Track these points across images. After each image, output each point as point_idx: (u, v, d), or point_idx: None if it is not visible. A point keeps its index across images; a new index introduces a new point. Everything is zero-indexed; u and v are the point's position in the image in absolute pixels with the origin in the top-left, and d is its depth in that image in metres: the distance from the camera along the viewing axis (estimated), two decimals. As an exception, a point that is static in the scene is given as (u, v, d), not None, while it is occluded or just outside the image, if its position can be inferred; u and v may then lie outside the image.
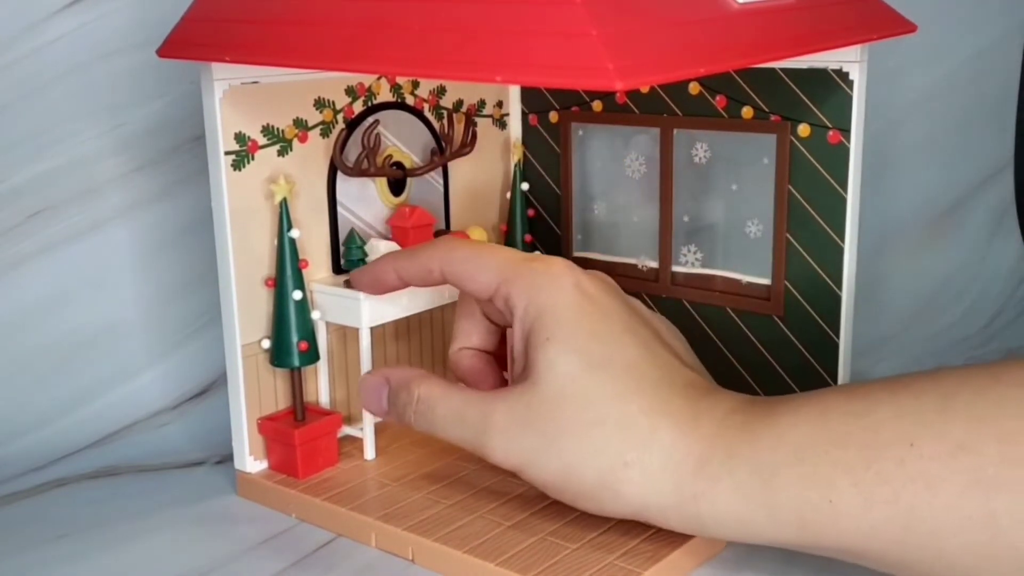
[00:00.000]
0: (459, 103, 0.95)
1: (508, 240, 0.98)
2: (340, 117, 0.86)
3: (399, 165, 0.90)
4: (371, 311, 0.83)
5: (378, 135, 0.86)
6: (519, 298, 0.70)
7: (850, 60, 0.80)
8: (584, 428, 0.66)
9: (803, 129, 0.84)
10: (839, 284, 0.84)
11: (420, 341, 0.95)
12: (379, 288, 0.80)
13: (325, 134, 0.85)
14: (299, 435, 0.81)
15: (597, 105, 0.95)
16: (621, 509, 0.67)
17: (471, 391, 0.72)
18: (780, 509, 0.63)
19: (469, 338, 0.78)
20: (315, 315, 0.84)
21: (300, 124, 0.83)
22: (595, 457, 0.66)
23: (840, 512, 0.61)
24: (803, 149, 0.84)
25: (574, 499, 0.69)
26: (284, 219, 0.80)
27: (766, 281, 0.88)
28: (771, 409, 0.66)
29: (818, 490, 0.61)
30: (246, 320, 0.81)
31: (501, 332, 0.78)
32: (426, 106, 0.92)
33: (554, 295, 0.69)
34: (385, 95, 0.89)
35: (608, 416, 0.66)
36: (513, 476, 0.72)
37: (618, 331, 0.69)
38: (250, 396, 0.82)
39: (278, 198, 0.80)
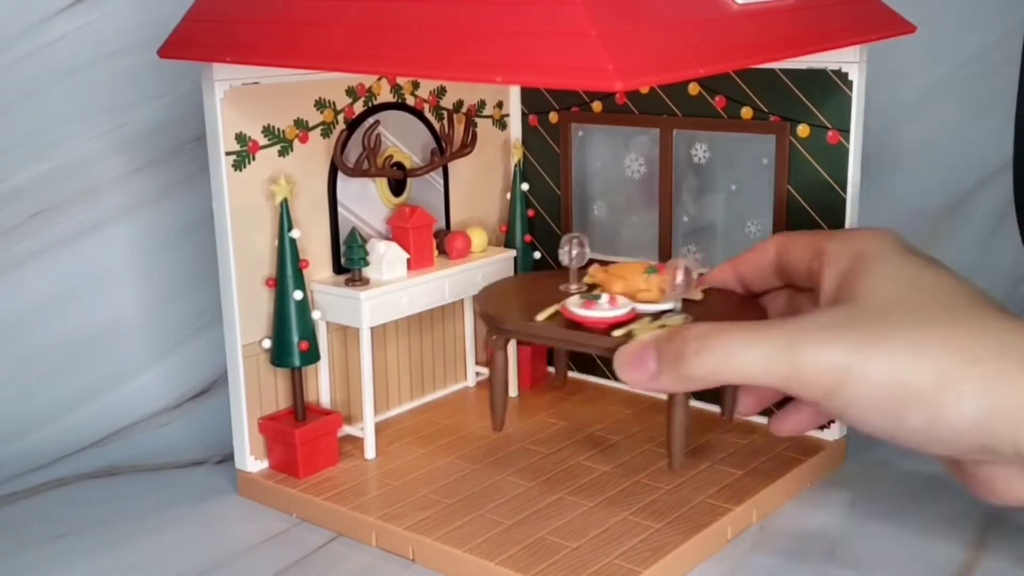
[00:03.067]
0: (459, 103, 0.95)
1: (508, 240, 0.98)
2: (341, 117, 0.86)
3: (399, 165, 0.90)
4: (372, 311, 0.83)
5: (378, 135, 0.86)
6: (835, 247, 0.65)
7: (849, 61, 0.80)
8: (922, 328, 0.57)
9: (802, 129, 0.84)
10: (839, 284, 0.84)
11: (420, 341, 0.95)
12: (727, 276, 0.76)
13: (326, 134, 0.85)
14: (299, 435, 0.81)
15: (597, 105, 0.95)
16: (963, 420, 0.55)
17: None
18: None
19: (745, 265, 0.74)
20: (316, 315, 0.84)
21: (301, 124, 0.83)
22: (936, 352, 0.55)
23: None
24: (802, 149, 0.84)
25: (902, 414, 0.56)
26: (285, 219, 0.81)
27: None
28: None
29: None
30: (247, 320, 0.81)
31: (773, 290, 0.76)
32: (426, 106, 0.92)
33: (871, 239, 0.65)
34: (385, 96, 0.89)
35: (948, 320, 0.57)
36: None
37: (938, 267, 0.64)
38: (251, 396, 0.82)
39: (279, 198, 0.81)
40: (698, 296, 0.78)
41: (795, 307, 0.74)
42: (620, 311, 0.73)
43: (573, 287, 0.79)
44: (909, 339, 0.56)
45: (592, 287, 0.79)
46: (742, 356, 0.60)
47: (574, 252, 0.78)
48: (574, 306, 0.74)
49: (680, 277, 0.72)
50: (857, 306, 0.59)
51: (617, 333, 0.70)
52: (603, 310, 0.73)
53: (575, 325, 0.73)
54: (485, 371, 0.93)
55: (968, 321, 0.58)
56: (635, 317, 0.73)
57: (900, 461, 0.87)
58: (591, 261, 0.81)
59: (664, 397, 0.81)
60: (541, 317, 0.75)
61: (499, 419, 0.81)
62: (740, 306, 0.76)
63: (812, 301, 0.69)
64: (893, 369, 0.56)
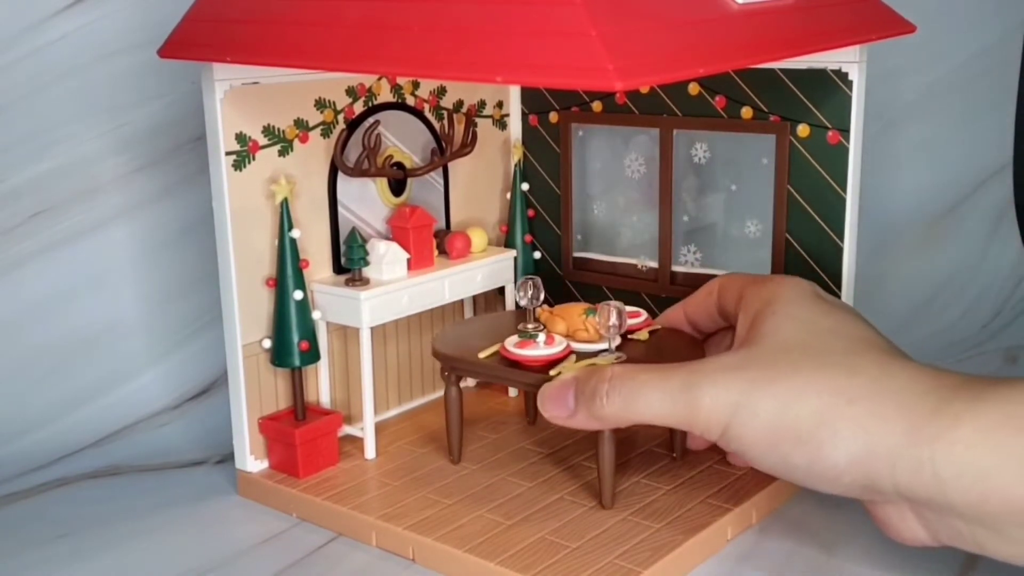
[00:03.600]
0: (459, 103, 0.95)
1: (508, 240, 0.98)
2: (341, 117, 0.86)
3: (399, 165, 0.90)
4: (372, 311, 0.83)
5: (379, 135, 0.86)
6: (751, 291, 0.69)
7: (849, 60, 0.80)
8: (806, 371, 0.59)
9: (802, 129, 0.84)
10: (839, 284, 0.84)
11: (420, 341, 0.95)
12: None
13: (326, 134, 0.85)
14: (300, 435, 0.81)
15: (597, 105, 0.95)
16: (838, 459, 0.58)
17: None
18: None
19: (693, 306, 0.78)
20: (316, 315, 0.84)
21: (301, 124, 0.83)
22: (815, 395, 0.58)
23: None
24: (802, 149, 0.84)
25: (786, 452, 0.59)
26: (285, 219, 0.81)
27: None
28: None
29: None
30: (247, 320, 0.81)
31: (719, 328, 0.79)
32: (426, 106, 0.92)
33: (783, 285, 0.68)
34: (385, 95, 0.89)
35: (834, 363, 0.59)
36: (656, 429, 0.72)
37: (844, 312, 0.66)
38: (251, 396, 0.82)
39: (279, 198, 0.81)
40: (643, 336, 0.83)
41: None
42: (555, 349, 0.78)
43: (530, 327, 0.82)
44: (794, 380, 0.59)
45: (545, 326, 0.83)
46: (646, 397, 0.63)
47: (530, 293, 0.82)
48: (511, 345, 0.79)
49: (613, 318, 0.77)
50: (755, 348, 0.62)
51: (553, 372, 0.75)
52: (538, 349, 0.78)
53: (514, 363, 0.78)
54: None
55: (854, 364, 0.60)
56: (568, 355, 0.79)
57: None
58: (546, 301, 0.85)
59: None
60: (483, 355, 0.80)
61: (455, 452, 0.84)
62: (682, 346, 0.81)
63: None
64: (777, 409, 0.59)
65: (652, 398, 0.63)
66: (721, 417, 0.60)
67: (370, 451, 0.86)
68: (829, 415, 0.58)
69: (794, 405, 0.59)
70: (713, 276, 0.90)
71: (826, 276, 0.84)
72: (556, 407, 0.70)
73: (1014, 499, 0.53)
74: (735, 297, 0.72)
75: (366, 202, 0.89)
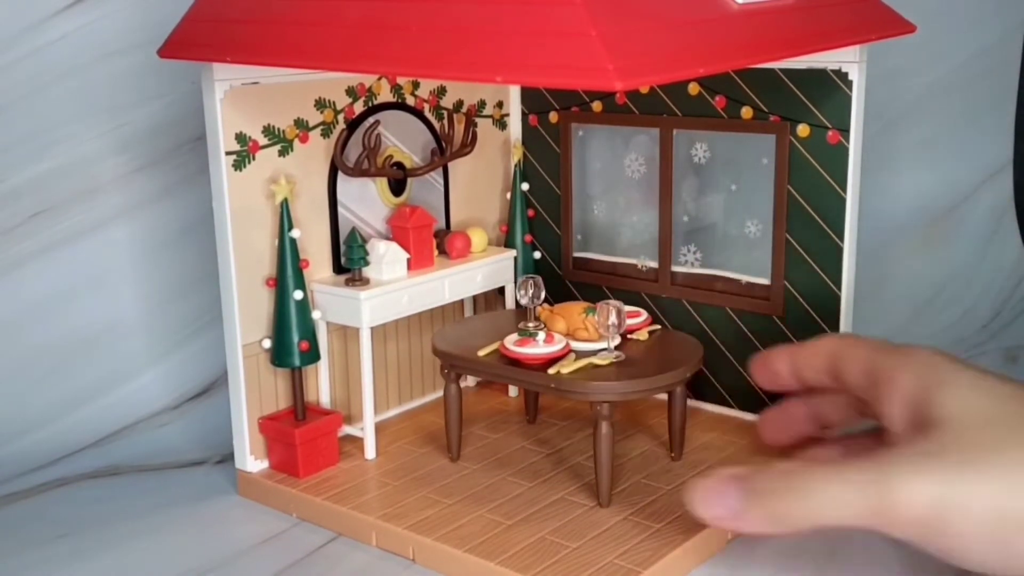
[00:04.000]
0: (459, 103, 0.95)
1: (508, 240, 0.98)
2: (341, 117, 0.86)
3: (399, 165, 0.90)
4: (372, 311, 0.83)
5: (378, 135, 0.86)
6: (889, 365, 0.61)
7: (849, 60, 0.80)
8: (1013, 445, 0.52)
9: (802, 129, 0.84)
10: (838, 284, 0.84)
11: (420, 341, 0.95)
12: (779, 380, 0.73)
13: (326, 134, 0.85)
14: (300, 435, 0.81)
15: (597, 105, 0.95)
16: None
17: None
18: None
19: (804, 358, 0.69)
20: (316, 315, 0.84)
21: (301, 124, 0.83)
22: None
23: None
24: (802, 149, 0.84)
25: (1010, 540, 0.51)
26: (285, 219, 0.81)
27: (766, 281, 0.88)
28: None
29: None
30: (247, 320, 0.81)
31: (827, 391, 0.72)
32: (426, 106, 0.92)
33: (932, 355, 0.60)
34: (385, 95, 0.89)
35: None
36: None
37: (1003, 377, 0.59)
38: (251, 396, 0.82)
39: (279, 198, 0.81)
40: (643, 336, 0.83)
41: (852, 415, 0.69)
42: (554, 348, 0.78)
43: (531, 325, 0.82)
44: (1008, 462, 0.52)
45: (545, 325, 0.83)
46: (829, 493, 0.56)
47: (530, 292, 0.82)
48: (511, 343, 0.79)
49: (612, 318, 0.78)
50: (943, 430, 0.55)
51: (552, 370, 0.76)
52: (538, 347, 0.78)
53: (514, 361, 0.79)
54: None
55: None
56: (568, 353, 0.79)
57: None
58: (546, 301, 0.85)
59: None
60: (482, 353, 0.81)
61: (455, 450, 0.84)
62: (682, 346, 0.81)
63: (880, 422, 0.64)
64: (996, 496, 0.51)
65: (833, 495, 0.55)
66: (924, 513, 0.52)
67: (370, 451, 0.86)
68: None
69: (1017, 489, 0.51)
70: (713, 276, 0.90)
71: (826, 276, 0.84)
72: (716, 506, 0.61)
73: None
74: (861, 368, 0.64)
75: (366, 202, 0.89)
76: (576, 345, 0.80)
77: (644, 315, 0.86)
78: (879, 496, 0.53)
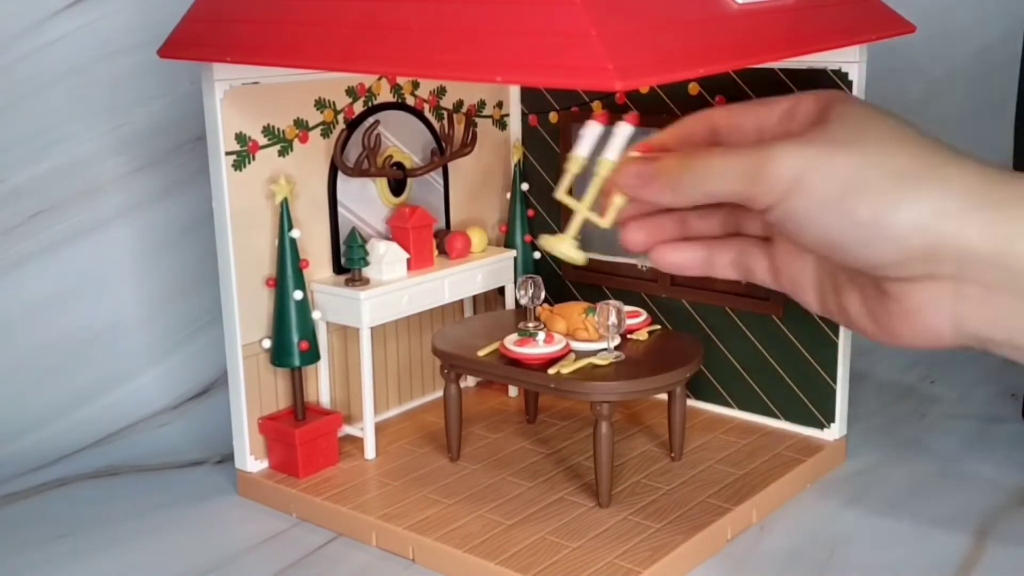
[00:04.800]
0: (459, 103, 0.95)
1: (508, 240, 0.98)
2: (340, 117, 0.86)
3: (399, 165, 0.90)
4: (371, 311, 0.83)
5: (378, 135, 0.86)
6: (817, 93, 0.63)
7: (849, 60, 0.80)
8: (888, 134, 0.59)
9: (803, 129, 0.84)
10: (839, 284, 0.84)
11: (420, 341, 0.95)
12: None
13: (326, 134, 0.85)
14: (300, 435, 0.81)
15: (597, 105, 0.95)
16: (914, 215, 0.56)
17: None
18: None
19: (681, 126, 0.72)
20: (316, 315, 0.84)
21: (301, 124, 0.83)
22: (897, 154, 0.58)
23: None
24: (803, 149, 0.84)
25: (854, 205, 0.57)
26: (285, 219, 0.81)
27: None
28: None
29: None
30: (247, 320, 0.81)
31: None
32: (426, 106, 0.92)
33: (846, 95, 0.65)
34: (385, 95, 0.89)
35: (911, 139, 0.59)
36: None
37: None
38: (251, 396, 0.82)
39: (279, 198, 0.81)
40: (643, 336, 0.83)
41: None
42: (554, 348, 0.78)
43: (531, 325, 0.82)
44: (877, 144, 0.58)
45: (545, 325, 0.83)
46: (719, 165, 0.60)
47: (530, 292, 0.83)
48: (511, 343, 0.80)
49: (612, 318, 0.78)
50: (824, 126, 0.60)
51: (552, 371, 0.76)
52: (538, 347, 0.78)
53: (514, 361, 0.79)
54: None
55: (928, 143, 0.59)
56: (567, 353, 0.79)
57: (900, 461, 0.87)
58: (546, 300, 0.85)
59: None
60: (482, 353, 0.81)
61: (454, 449, 0.84)
62: (682, 346, 0.82)
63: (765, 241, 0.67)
64: (857, 163, 0.57)
65: (723, 168, 0.60)
66: (791, 174, 0.57)
67: (370, 451, 0.86)
68: (911, 173, 0.56)
69: (874, 162, 0.57)
70: (712, 276, 0.90)
71: (826, 276, 0.84)
72: (636, 176, 0.65)
73: None
74: (764, 114, 0.65)
75: (366, 202, 0.89)
76: (576, 345, 0.80)
77: (644, 315, 0.86)
78: (756, 165, 0.59)
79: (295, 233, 0.81)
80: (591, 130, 0.73)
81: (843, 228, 0.57)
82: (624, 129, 0.74)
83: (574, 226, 0.70)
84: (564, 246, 0.67)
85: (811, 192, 0.57)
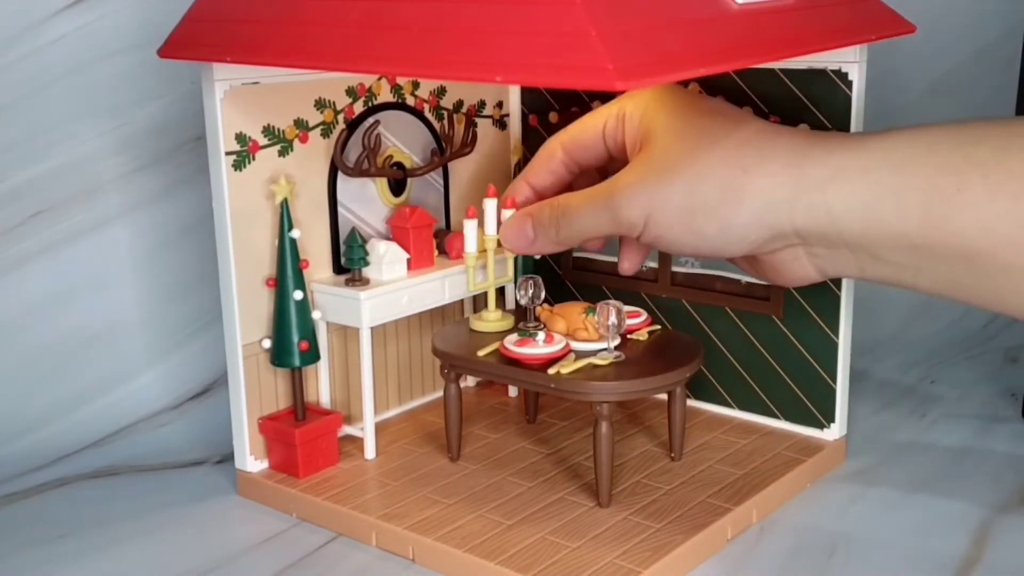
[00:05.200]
0: (459, 103, 0.95)
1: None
2: (341, 117, 0.86)
3: (399, 165, 0.90)
4: (371, 311, 0.83)
5: (378, 135, 0.86)
6: (632, 104, 0.75)
7: (849, 60, 0.80)
8: (700, 154, 0.68)
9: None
10: (838, 284, 0.84)
11: (420, 341, 0.95)
12: (525, 216, 0.80)
13: (326, 134, 0.85)
14: (300, 435, 0.81)
15: (597, 105, 0.95)
16: (745, 219, 0.68)
17: None
18: (907, 195, 0.63)
19: (538, 175, 0.81)
20: (316, 315, 0.84)
21: (301, 124, 0.83)
22: (715, 172, 0.67)
23: (966, 202, 0.62)
24: (803, 149, 0.84)
25: (699, 225, 0.69)
26: (285, 219, 0.81)
27: (766, 281, 0.88)
28: (898, 127, 0.70)
29: (948, 179, 0.62)
30: (247, 320, 0.81)
31: (566, 183, 0.80)
32: (426, 106, 0.92)
33: (657, 92, 0.74)
34: (385, 95, 0.89)
35: (723, 140, 0.69)
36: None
37: (720, 102, 0.75)
38: (251, 396, 0.82)
39: (279, 198, 0.81)
40: (643, 336, 0.83)
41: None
42: (554, 348, 0.78)
43: (530, 325, 0.82)
44: (694, 167, 0.68)
45: (545, 325, 0.83)
46: (586, 219, 0.73)
47: (530, 292, 0.83)
48: (510, 343, 0.79)
49: (612, 318, 0.78)
50: (652, 149, 0.71)
51: (551, 371, 0.76)
52: (537, 347, 0.78)
53: (513, 361, 0.79)
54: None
55: (740, 138, 0.69)
56: (567, 353, 0.79)
57: (900, 461, 0.87)
58: (546, 301, 0.85)
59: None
60: (482, 353, 0.81)
61: (454, 450, 0.84)
62: (681, 346, 0.82)
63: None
64: (685, 194, 0.68)
65: (588, 219, 0.73)
66: (641, 217, 0.69)
67: (370, 451, 0.86)
68: (730, 187, 0.67)
69: (699, 187, 0.68)
70: (713, 276, 0.90)
71: (826, 276, 0.84)
72: (518, 238, 0.78)
73: (889, 227, 0.64)
74: (611, 126, 0.77)
75: (366, 202, 0.89)
76: (576, 345, 0.80)
77: (644, 315, 0.86)
78: (611, 210, 0.71)
79: (295, 233, 0.81)
80: (469, 228, 0.83)
81: (699, 243, 0.70)
82: (488, 205, 0.83)
83: (492, 301, 0.84)
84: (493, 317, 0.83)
85: (662, 223, 0.69)
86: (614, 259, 0.96)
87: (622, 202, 0.70)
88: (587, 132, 0.77)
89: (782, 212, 0.67)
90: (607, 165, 0.78)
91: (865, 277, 0.69)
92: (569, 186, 0.80)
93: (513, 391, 0.97)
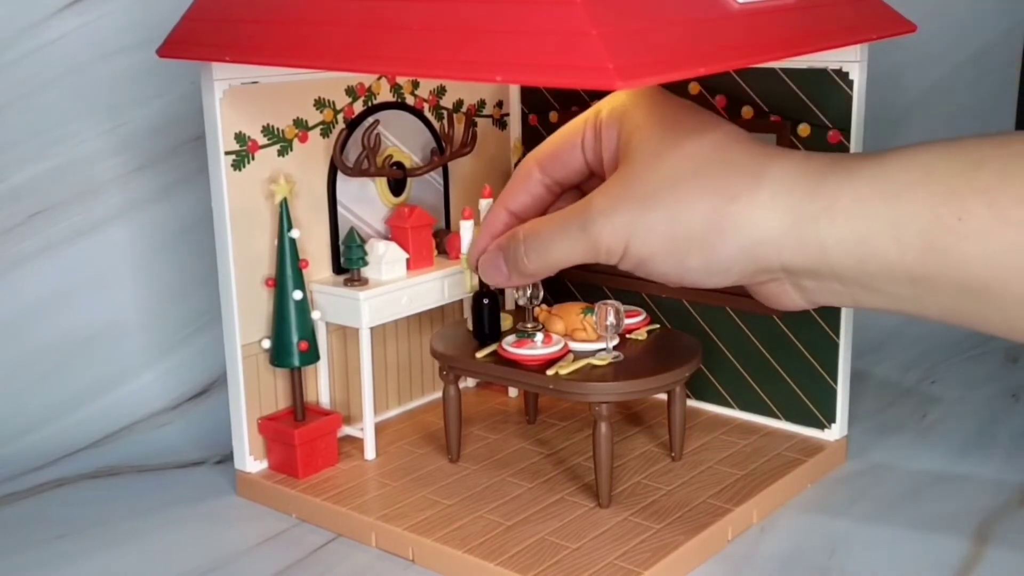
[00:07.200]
0: (459, 103, 0.95)
1: (508, 240, 0.98)
2: (340, 117, 0.86)
3: (399, 165, 0.90)
4: (371, 311, 0.83)
5: (378, 135, 0.86)
6: (608, 115, 0.70)
7: (850, 60, 0.80)
8: (685, 178, 0.64)
9: (803, 129, 0.84)
10: (839, 284, 0.84)
11: (420, 341, 0.95)
12: (500, 247, 0.75)
13: (325, 134, 0.85)
14: (299, 435, 0.81)
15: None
16: (729, 252, 0.63)
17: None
18: (906, 226, 0.59)
19: (515, 198, 0.75)
20: (315, 315, 0.84)
21: (300, 124, 0.83)
22: (700, 199, 0.63)
23: (970, 231, 0.57)
24: (803, 149, 0.84)
25: (681, 257, 0.64)
26: (284, 219, 0.81)
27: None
28: (891, 148, 0.64)
29: (948, 206, 0.58)
30: (246, 320, 0.81)
31: (547, 204, 0.76)
32: (426, 106, 0.92)
33: (634, 98, 0.69)
34: (385, 95, 0.89)
35: (710, 163, 0.64)
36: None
37: (705, 115, 0.69)
38: (250, 396, 0.82)
39: (278, 198, 0.80)
40: (642, 336, 0.83)
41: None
42: (552, 348, 0.78)
43: (529, 326, 0.82)
44: (677, 192, 0.64)
45: (543, 326, 0.83)
46: (557, 247, 0.68)
47: (529, 292, 0.82)
48: (509, 344, 0.79)
49: (611, 318, 0.78)
50: (629, 168, 0.66)
51: (550, 372, 0.76)
52: (535, 348, 0.78)
53: (512, 362, 0.79)
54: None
55: (728, 161, 0.65)
56: (566, 353, 0.79)
57: (900, 461, 0.87)
58: (545, 300, 0.84)
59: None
60: (480, 355, 0.81)
61: (454, 451, 0.84)
62: (681, 346, 0.82)
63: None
64: (667, 220, 0.64)
65: (561, 247, 0.68)
66: (620, 243, 0.65)
67: (370, 451, 0.85)
68: (715, 217, 0.63)
69: (683, 216, 0.64)
70: (713, 276, 0.90)
71: (826, 276, 0.84)
72: (493, 274, 0.73)
73: (887, 260, 0.60)
74: (586, 140, 0.72)
75: (366, 202, 0.89)
76: (575, 346, 0.80)
77: (643, 315, 0.86)
78: (587, 242, 0.66)
79: (295, 233, 0.81)
80: (466, 229, 0.81)
81: (681, 273, 0.66)
82: (484, 206, 0.80)
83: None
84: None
85: (642, 252, 0.65)
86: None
87: (601, 228, 0.65)
88: (564, 147, 0.72)
89: (769, 248, 0.63)
90: (588, 181, 0.74)
91: (860, 306, 0.65)
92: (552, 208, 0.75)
93: (513, 392, 0.97)
